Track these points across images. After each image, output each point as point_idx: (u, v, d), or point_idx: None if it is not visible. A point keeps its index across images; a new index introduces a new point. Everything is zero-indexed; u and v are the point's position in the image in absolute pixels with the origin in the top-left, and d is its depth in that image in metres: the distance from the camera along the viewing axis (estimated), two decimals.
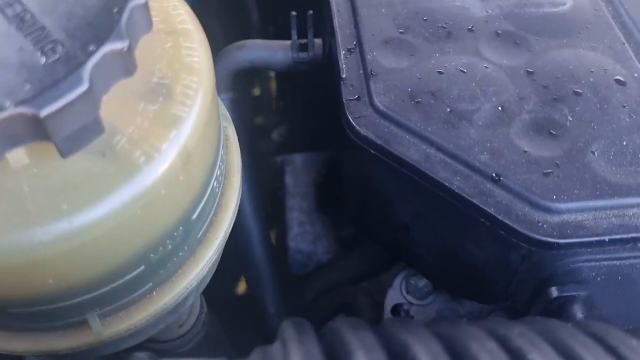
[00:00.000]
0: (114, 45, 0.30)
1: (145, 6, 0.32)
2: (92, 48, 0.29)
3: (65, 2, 0.31)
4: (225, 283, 1.08)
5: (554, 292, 0.45)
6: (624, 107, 0.51)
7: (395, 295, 0.70)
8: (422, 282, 0.69)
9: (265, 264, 0.82)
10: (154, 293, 0.42)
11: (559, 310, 0.46)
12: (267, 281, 0.82)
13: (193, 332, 0.62)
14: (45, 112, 0.28)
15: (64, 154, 0.30)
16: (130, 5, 0.31)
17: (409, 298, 0.69)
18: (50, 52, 0.29)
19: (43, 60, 0.29)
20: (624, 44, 0.57)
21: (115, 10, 0.31)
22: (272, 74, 1.28)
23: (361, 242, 0.88)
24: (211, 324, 0.68)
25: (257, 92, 1.31)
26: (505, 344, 0.29)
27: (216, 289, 0.71)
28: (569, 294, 0.45)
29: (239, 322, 0.86)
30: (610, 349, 0.29)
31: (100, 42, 0.29)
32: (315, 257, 0.96)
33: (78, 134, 0.30)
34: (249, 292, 0.88)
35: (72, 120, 0.29)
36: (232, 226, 0.47)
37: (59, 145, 0.30)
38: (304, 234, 0.98)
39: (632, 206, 0.46)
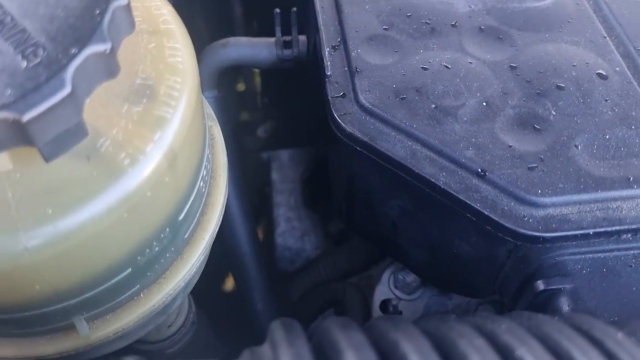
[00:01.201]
0: (96, 47, 0.29)
1: (127, 7, 0.32)
2: (73, 50, 0.29)
3: (46, 4, 0.31)
4: (213, 281, 1.08)
5: (540, 285, 0.46)
6: (606, 100, 0.52)
7: (383, 290, 0.70)
8: (410, 277, 0.69)
9: (253, 262, 0.81)
10: (142, 295, 0.42)
11: (545, 303, 0.46)
12: (255, 278, 0.82)
13: (182, 332, 0.62)
14: (27, 117, 0.27)
15: (47, 158, 0.30)
16: (112, 7, 0.31)
17: (397, 293, 0.70)
18: (32, 55, 0.29)
19: (24, 63, 0.28)
20: (605, 37, 0.58)
21: (97, 11, 0.30)
22: (257, 70, 1.27)
23: (349, 238, 0.88)
24: (200, 323, 0.68)
25: (241, 87, 1.31)
26: (492, 340, 0.29)
27: (204, 286, 0.71)
28: (554, 287, 0.45)
29: (227, 320, 0.86)
30: (596, 342, 0.29)
31: (82, 44, 0.29)
32: (303, 253, 0.96)
33: (61, 137, 0.30)
34: (238, 289, 0.88)
35: (55, 124, 0.29)
36: (219, 225, 0.47)
37: (42, 149, 0.29)
38: (292, 230, 0.98)
39: (615, 199, 0.46)
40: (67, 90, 0.28)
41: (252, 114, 1.30)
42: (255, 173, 1.07)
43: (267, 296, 0.84)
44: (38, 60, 0.29)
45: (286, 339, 0.26)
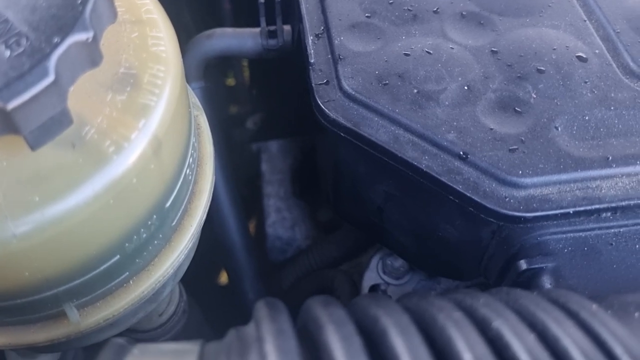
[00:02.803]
0: (79, 36, 0.30)
1: None
2: (56, 40, 0.29)
3: None
4: (206, 274, 1.08)
5: (523, 264, 0.46)
6: (586, 82, 0.53)
7: (372, 276, 0.71)
8: (398, 262, 0.70)
9: (243, 251, 0.82)
10: (131, 282, 0.43)
11: (528, 282, 0.47)
12: (246, 267, 0.83)
13: (173, 320, 0.63)
14: (11, 105, 0.28)
15: (33, 146, 0.31)
16: None
17: (386, 278, 0.71)
18: (15, 45, 0.29)
19: (7, 53, 0.29)
20: (584, 21, 0.59)
21: (79, 1, 0.31)
22: (245, 63, 1.28)
23: (339, 226, 0.89)
24: (191, 312, 0.68)
25: (231, 82, 1.31)
26: (471, 313, 0.30)
27: (197, 279, 0.72)
28: (537, 266, 0.46)
29: (220, 312, 0.87)
30: (571, 314, 0.30)
31: (65, 33, 0.30)
32: (294, 243, 0.97)
33: (46, 125, 0.30)
34: (229, 280, 0.88)
35: (40, 112, 0.29)
36: (206, 213, 0.48)
37: (27, 137, 0.30)
38: (282, 220, 0.99)
39: (594, 178, 0.47)
40: (50, 78, 0.29)
41: (241, 107, 1.31)
42: (245, 166, 1.07)
43: (258, 285, 0.85)
44: (21, 49, 0.29)
45: (269, 315, 0.27)
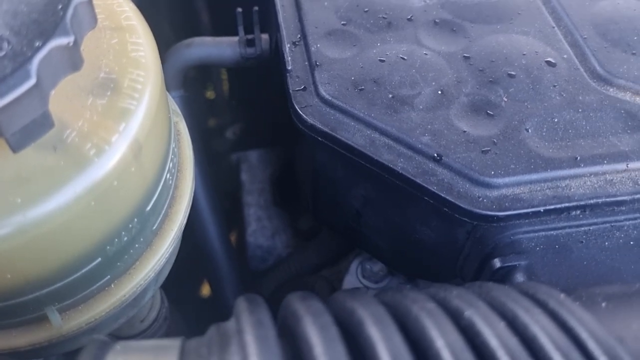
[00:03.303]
0: (60, 41, 0.31)
1: (89, 3, 0.33)
2: (38, 43, 0.30)
3: (9, 0, 0.32)
4: (188, 285, 1.08)
5: (497, 263, 0.48)
6: (554, 86, 0.55)
7: (351, 280, 0.72)
8: (377, 266, 0.71)
9: (224, 258, 0.83)
10: (112, 285, 0.43)
11: (503, 280, 0.48)
12: (227, 275, 0.83)
13: (155, 326, 0.63)
14: None
15: (15, 148, 0.31)
16: (74, 2, 0.32)
17: (365, 282, 0.72)
18: None
19: None
20: (553, 27, 0.60)
21: (60, 6, 0.32)
22: (225, 76, 1.28)
23: (319, 233, 0.89)
24: (173, 319, 0.69)
25: (211, 95, 1.32)
26: (444, 305, 0.31)
27: (180, 290, 0.72)
28: (510, 264, 0.47)
29: (202, 324, 0.87)
30: (540, 303, 0.31)
31: (46, 37, 0.30)
32: (274, 251, 0.97)
33: (28, 128, 0.31)
34: (211, 288, 0.89)
35: (21, 114, 0.30)
36: (186, 218, 0.48)
37: (9, 140, 0.31)
38: (262, 228, 0.99)
39: (564, 178, 0.49)
40: (32, 81, 0.29)
41: (220, 118, 1.31)
42: (225, 176, 1.08)
43: (239, 293, 0.85)
44: (3, 53, 0.30)
45: (248, 308, 0.28)
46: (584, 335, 0.28)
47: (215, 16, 1.10)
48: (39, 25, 0.31)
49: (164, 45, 0.85)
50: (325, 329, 0.26)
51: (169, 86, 0.73)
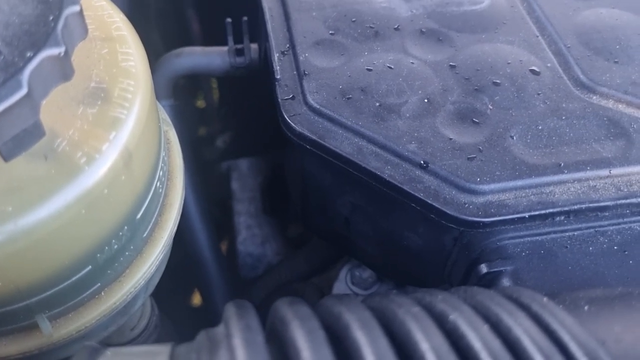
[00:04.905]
0: (51, 51, 0.31)
1: (80, 14, 0.34)
2: (29, 54, 0.31)
3: (1, 11, 0.32)
4: (178, 294, 1.08)
5: (483, 268, 0.48)
6: (539, 94, 0.56)
7: (341, 287, 0.72)
8: (366, 273, 0.72)
9: (215, 266, 0.83)
10: (103, 293, 0.43)
11: (489, 285, 0.49)
12: (217, 283, 0.84)
13: (145, 334, 0.63)
14: None
15: (6, 157, 0.32)
16: (65, 13, 0.32)
17: (354, 289, 0.72)
18: None
19: None
20: (537, 36, 0.62)
21: (50, 17, 0.32)
22: (215, 85, 1.29)
23: (308, 241, 0.90)
24: (163, 328, 0.69)
25: (201, 104, 1.32)
26: (429, 309, 0.32)
27: (170, 299, 0.72)
28: (496, 269, 0.48)
29: (193, 332, 0.87)
30: (523, 306, 0.32)
31: (37, 48, 0.31)
32: (264, 259, 0.97)
33: (19, 137, 0.32)
34: (201, 296, 0.89)
35: (13, 124, 0.30)
36: (176, 225, 0.49)
37: (0, 149, 0.31)
38: (252, 236, 1.00)
39: (548, 184, 0.49)
40: (23, 91, 0.30)
41: (210, 126, 1.32)
42: (216, 185, 1.08)
43: (230, 300, 0.85)
44: None
45: (237, 313, 0.28)
46: (566, 337, 0.29)
47: (205, 26, 1.11)
48: (30, 36, 0.32)
49: (154, 55, 0.85)
50: (312, 333, 0.27)
51: (159, 95, 0.73)
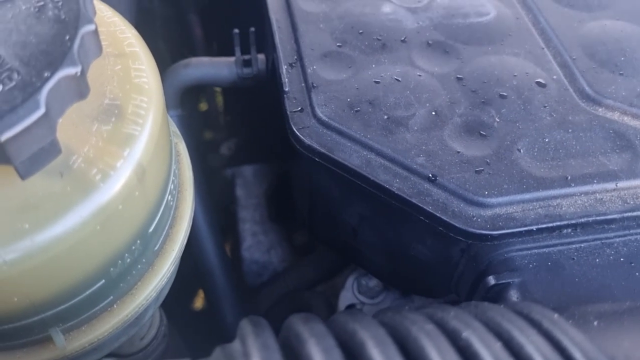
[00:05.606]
0: (68, 71, 0.32)
1: (95, 32, 0.34)
2: (46, 74, 0.31)
3: (18, 32, 0.33)
4: (182, 298, 1.09)
5: (491, 280, 0.49)
6: (545, 106, 0.56)
7: (347, 296, 0.73)
8: (373, 282, 0.72)
9: (221, 275, 0.83)
10: (115, 305, 0.44)
11: (497, 297, 0.49)
12: (224, 291, 0.84)
13: (154, 344, 0.63)
14: (4, 137, 0.29)
15: (23, 175, 0.32)
16: (81, 32, 0.33)
17: (361, 298, 0.72)
18: (7, 79, 0.31)
19: (0, 87, 0.30)
20: (543, 48, 0.62)
21: (67, 37, 0.33)
22: (218, 89, 1.29)
23: (314, 248, 0.90)
24: (171, 337, 0.69)
25: (203, 107, 1.33)
26: (442, 325, 0.32)
27: (174, 304, 0.73)
28: (504, 281, 0.48)
29: (197, 337, 0.88)
30: (534, 323, 0.32)
31: (54, 68, 0.31)
32: (270, 266, 0.98)
33: (36, 155, 0.32)
34: (207, 303, 0.89)
35: (30, 143, 0.31)
36: (187, 237, 0.49)
37: (18, 167, 0.31)
38: (258, 244, 1.00)
39: (555, 197, 0.50)
40: (41, 111, 0.30)
41: (215, 133, 1.32)
42: (221, 192, 1.08)
43: (236, 309, 0.86)
44: (13, 83, 0.31)
45: (254, 332, 0.29)
46: (577, 355, 0.29)
47: (211, 36, 1.12)
48: (47, 55, 0.32)
49: (159, 60, 0.85)
50: (328, 351, 0.27)
51: (167, 106, 0.74)
